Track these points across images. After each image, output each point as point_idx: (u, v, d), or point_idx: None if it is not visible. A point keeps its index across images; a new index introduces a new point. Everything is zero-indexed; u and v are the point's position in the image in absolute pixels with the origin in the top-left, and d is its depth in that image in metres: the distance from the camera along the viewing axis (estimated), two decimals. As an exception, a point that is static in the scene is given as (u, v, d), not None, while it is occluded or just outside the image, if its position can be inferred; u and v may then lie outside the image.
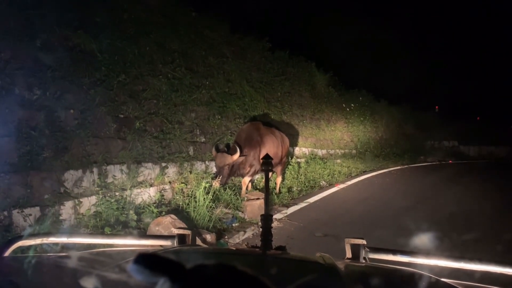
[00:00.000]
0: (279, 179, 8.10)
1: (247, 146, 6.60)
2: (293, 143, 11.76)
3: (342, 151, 15.91)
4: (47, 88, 4.76)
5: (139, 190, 5.47)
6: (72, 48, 5.51)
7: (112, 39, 6.21)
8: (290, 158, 10.26)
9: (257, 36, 12.29)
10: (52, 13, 5.27)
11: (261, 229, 1.32)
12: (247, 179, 6.93)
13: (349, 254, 1.41)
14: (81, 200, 4.59)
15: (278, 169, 7.84)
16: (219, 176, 6.15)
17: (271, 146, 7.16)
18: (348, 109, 18.16)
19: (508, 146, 28.62)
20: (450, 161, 22.45)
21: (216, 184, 6.07)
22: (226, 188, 6.59)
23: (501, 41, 46.64)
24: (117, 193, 5.06)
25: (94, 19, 6.12)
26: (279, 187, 8.08)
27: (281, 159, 7.73)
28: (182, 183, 6.28)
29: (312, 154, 12.73)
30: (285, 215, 6.37)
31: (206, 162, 7.45)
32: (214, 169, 7.34)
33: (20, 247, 1.31)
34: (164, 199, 5.81)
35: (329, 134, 15.39)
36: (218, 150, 6.34)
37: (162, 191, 5.90)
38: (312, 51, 16.17)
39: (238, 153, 6.20)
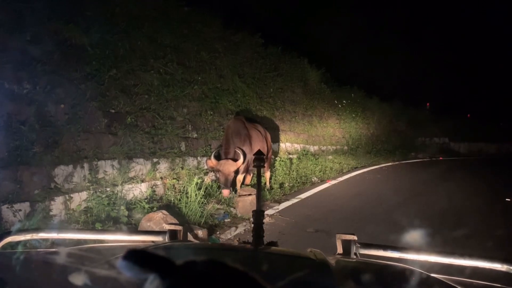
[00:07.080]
0: (267, 174, 8.12)
1: (239, 144, 6.58)
2: (283, 139, 11.78)
3: (334, 148, 15.98)
4: (37, 82, 4.70)
5: (130, 186, 5.44)
6: (63, 41, 5.43)
7: (103, 33, 6.13)
8: (276, 154, 10.27)
9: (249, 31, 12.22)
10: (42, 5, 5.20)
11: (252, 225, 1.31)
12: (241, 177, 6.92)
13: (340, 249, 1.41)
14: (71, 195, 4.55)
15: (266, 164, 7.85)
16: (226, 186, 6.08)
17: (258, 141, 7.17)
18: (340, 106, 18.22)
19: (498, 143, 29.03)
20: (441, 158, 22.63)
21: (225, 194, 6.05)
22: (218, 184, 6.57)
23: (493, 39, 47.05)
24: (108, 189, 5.03)
25: (85, 12, 6.05)
26: (270, 183, 8.09)
27: (267, 153, 7.76)
28: (173, 178, 6.27)
29: (304, 150, 12.77)
30: (277, 211, 6.39)
31: (198, 158, 7.43)
32: (206, 166, 7.32)
33: (9, 242, 1.30)
34: (156, 194, 5.79)
35: (321, 131, 15.44)
36: (218, 158, 6.28)
37: (154, 187, 5.88)
38: (304, 47, 16.19)
39: (242, 158, 6.18)
